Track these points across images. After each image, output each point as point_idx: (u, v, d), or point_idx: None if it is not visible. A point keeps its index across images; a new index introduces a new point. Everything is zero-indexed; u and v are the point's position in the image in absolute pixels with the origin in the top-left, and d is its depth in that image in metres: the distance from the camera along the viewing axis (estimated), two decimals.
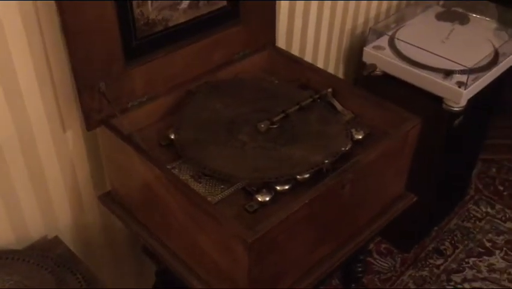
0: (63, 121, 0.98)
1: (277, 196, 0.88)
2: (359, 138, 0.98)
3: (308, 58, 1.45)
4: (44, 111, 0.95)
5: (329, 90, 1.05)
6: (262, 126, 0.96)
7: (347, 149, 0.94)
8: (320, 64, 1.51)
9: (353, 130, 0.99)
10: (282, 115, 0.98)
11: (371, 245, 1.72)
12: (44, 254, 0.97)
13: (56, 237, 1.04)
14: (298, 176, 0.89)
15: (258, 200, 0.87)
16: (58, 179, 1.03)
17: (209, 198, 0.86)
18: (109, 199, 1.04)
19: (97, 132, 1.00)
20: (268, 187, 0.88)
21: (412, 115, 0.98)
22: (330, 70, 1.56)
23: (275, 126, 0.97)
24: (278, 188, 0.88)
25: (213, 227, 0.80)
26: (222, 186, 0.90)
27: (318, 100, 1.03)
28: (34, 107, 0.93)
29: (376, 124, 1.01)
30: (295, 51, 1.39)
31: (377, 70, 1.46)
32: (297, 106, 1.00)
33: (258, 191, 0.87)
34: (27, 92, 0.91)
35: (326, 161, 0.89)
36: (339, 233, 0.95)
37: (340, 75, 1.61)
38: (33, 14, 0.86)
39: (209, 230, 0.82)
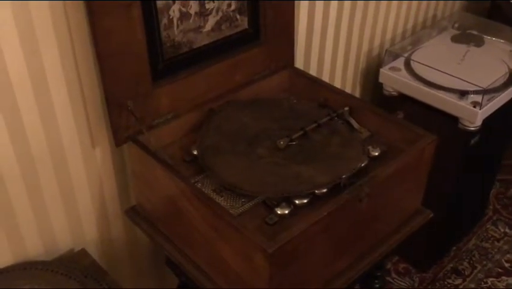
0: (93, 138, 1.03)
1: (296, 209, 0.91)
2: (376, 155, 1.01)
3: (325, 78, 1.49)
4: (76, 128, 0.99)
5: (346, 108, 1.09)
6: (282, 142, 0.99)
7: (363, 165, 0.97)
8: (337, 85, 1.54)
9: (369, 147, 1.02)
10: (300, 132, 1.02)
11: (390, 265, 1.73)
12: (72, 266, 1.01)
13: (83, 250, 1.08)
14: (316, 191, 0.92)
15: (278, 213, 0.90)
16: (86, 193, 1.08)
17: (231, 212, 0.89)
18: (134, 213, 1.08)
19: (124, 148, 1.05)
20: (287, 201, 0.91)
21: (427, 132, 1.01)
22: (348, 90, 1.60)
23: (294, 143, 1.00)
24: (297, 201, 0.91)
25: (235, 239, 0.84)
26: (243, 200, 0.93)
27: (336, 119, 1.07)
28: (66, 124, 0.98)
29: (392, 141, 1.04)
30: (313, 72, 1.43)
31: (393, 90, 1.50)
32: (315, 124, 1.04)
33: (278, 205, 0.91)
34: (60, 110, 0.96)
35: (344, 176, 0.92)
36: (357, 247, 0.97)
37: (357, 95, 1.64)
38: (68, 40, 0.92)
39: (232, 242, 0.85)
